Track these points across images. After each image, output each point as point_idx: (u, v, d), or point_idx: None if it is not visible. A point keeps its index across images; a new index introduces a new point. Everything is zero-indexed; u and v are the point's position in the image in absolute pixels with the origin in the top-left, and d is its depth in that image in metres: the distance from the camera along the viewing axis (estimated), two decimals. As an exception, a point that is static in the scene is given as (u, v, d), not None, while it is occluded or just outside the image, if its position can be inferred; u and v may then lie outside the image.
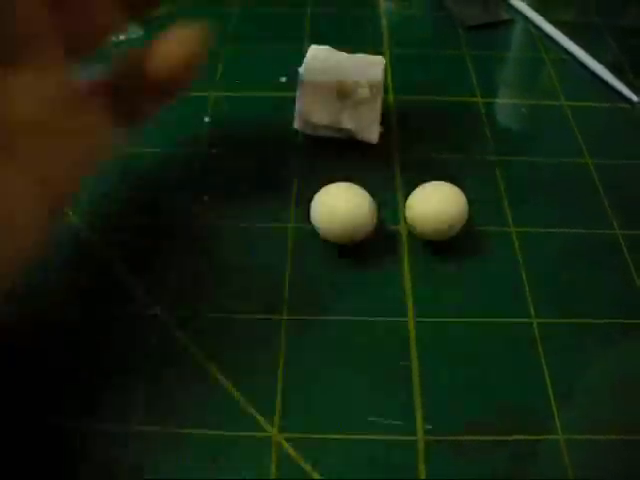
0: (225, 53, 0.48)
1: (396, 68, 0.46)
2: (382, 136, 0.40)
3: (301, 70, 0.38)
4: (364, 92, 0.37)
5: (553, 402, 0.29)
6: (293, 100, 0.39)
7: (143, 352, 0.31)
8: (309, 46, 0.40)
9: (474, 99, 0.45)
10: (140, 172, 0.39)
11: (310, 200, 0.34)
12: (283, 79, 0.45)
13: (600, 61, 0.47)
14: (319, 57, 0.39)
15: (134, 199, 0.37)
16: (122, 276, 0.33)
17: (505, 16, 0.52)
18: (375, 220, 0.34)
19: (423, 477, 0.27)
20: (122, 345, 0.31)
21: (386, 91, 0.43)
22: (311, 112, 0.38)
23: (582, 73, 0.48)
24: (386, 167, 0.39)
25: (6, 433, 0.28)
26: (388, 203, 0.37)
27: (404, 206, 0.36)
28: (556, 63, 0.48)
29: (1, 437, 0.28)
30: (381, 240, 0.35)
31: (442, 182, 0.34)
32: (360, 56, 0.40)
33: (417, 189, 0.34)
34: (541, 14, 0.52)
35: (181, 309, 0.32)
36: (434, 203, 0.33)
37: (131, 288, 0.33)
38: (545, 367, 0.31)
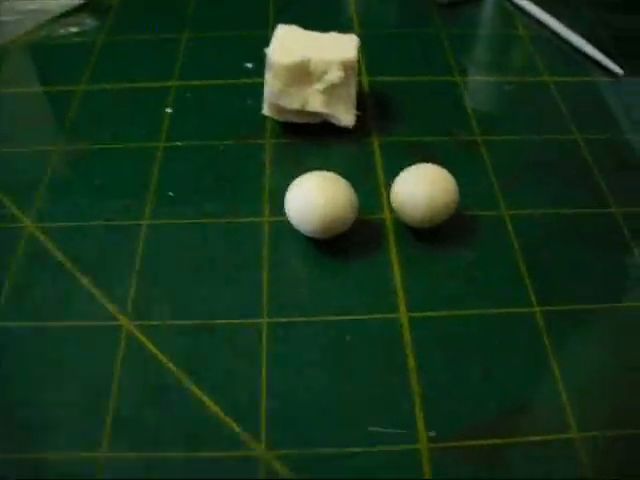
0: (185, 40, 0.45)
1: (368, 49, 0.43)
2: (358, 120, 0.37)
3: (268, 51, 0.35)
4: (337, 73, 0.35)
5: (564, 397, 0.27)
6: (261, 86, 0.36)
7: (109, 366, 0.27)
8: (274, 30, 0.37)
9: (453, 78, 0.42)
10: (103, 168, 0.36)
11: (284, 191, 0.31)
12: (249, 65, 0.42)
13: (579, 34, 0.45)
14: (287, 37, 0.36)
15: (97, 197, 0.34)
16: (81, 282, 0.30)
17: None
18: (356, 210, 0.31)
19: (431, 491, 0.24)
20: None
21: (359, 73, 0.40)
22: (280, 96, 0.35)
23: (562, 47, 0.46)
24: (364, 153, 0.37)
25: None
26: (369, 191, 0.34)
27: (387, 193, 0.33)
28: (535, 39, 0.46)
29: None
30: (364, 231, 0.33)
31: (429, 164, 0.31)
32: (331, 35, 0.37)
33: (402, 173, 0.31)
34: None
35: (146, 316, 0.29)
36: (424, 187, 0.30)
37: (93, 296, 0.30)
38: (552, 360, 0.28)
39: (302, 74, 0.35)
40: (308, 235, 0.31)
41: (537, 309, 0.30)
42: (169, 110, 0.39)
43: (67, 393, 0.27)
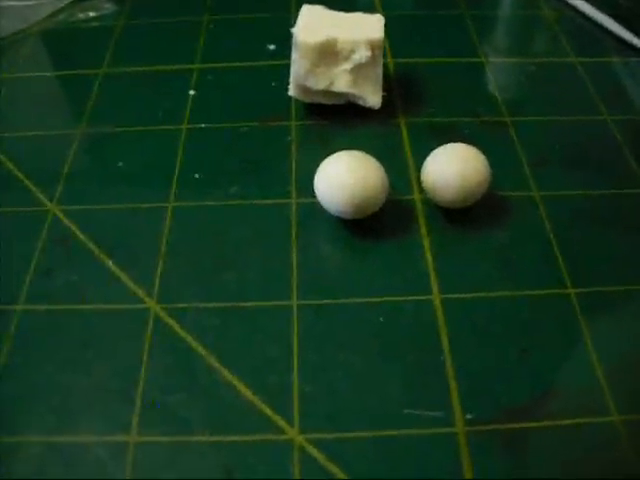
0: (206, 23, 0.44)
1: (392, 30, 0.42)
2: (384, 101, 0.36)
3: (295, 30, 0.34)
4: (365, 52, 0.34)
5: (602, 380, 0.26)
6: (285, 68, 0.36)
7: (138, 349, 0.27)
8: (296, 12, 0.36)
9: (478, 59, 0.42)
10: (126, 151, 0.35)
11: (313, 173, 0.31)
12: (271, 47, 0.42)
13: (605, 12, 0.44)
14: (313, 16, 0.35)
15: (117, 181, 0.34)
16: (107, 265, 0.30)
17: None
18: (387, 190, 0.30)
19: (469, 477, 0.24)
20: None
21: (384, 55, 0.39)
22: (307, 75, 0.34)
23: (588, 26, 0.45)
24: (392, 133, 0.36)
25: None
26: (397, 172, 0.34)
27: (417, 174, 0.32)
28: (559, 18, 0.45)
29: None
30: (394, 212, 0.32)
31: (460, 144, 0.31)
32: (357, 14, 0.36)
33: (433, 153, 0.31)
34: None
35: (173, 298, 0.29)
36: (455, 167, 0.29)
37: (119, 279, 0.29)
38: (589, 342, 0.27)
39: (329, 54, 0.34)
40: (338, 215, 0.30)
41: (571, 291, 0.29)
42: (192, 92, 0.39)
43: (95, 376, 0.26)
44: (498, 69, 0.41)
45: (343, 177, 0.29)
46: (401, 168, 0.34)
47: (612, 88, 0.40)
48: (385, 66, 0.39)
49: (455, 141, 0.32)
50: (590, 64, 0.41)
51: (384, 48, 0.38)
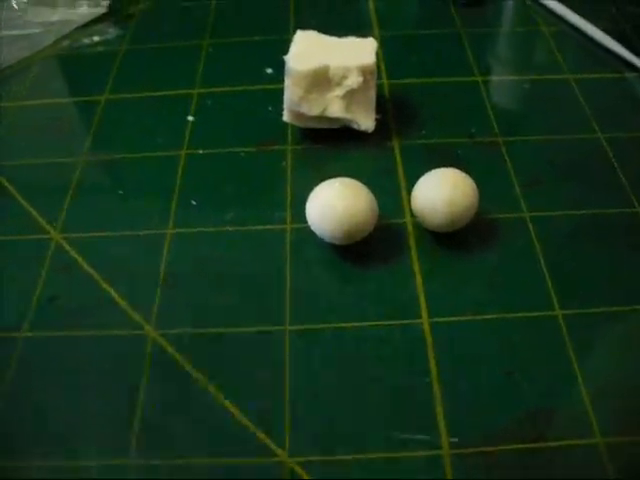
0: (205, 47, 0.45)
1: (387, 51, 0.43)
2: (378, 124, 0.37)
3: (287, 57, 0.35)
4: (356, 78, 0.35)
5: (587, 402, 0.27)
6: (281, 92, 0.36)
7: (137, 375, 0.28)
8: (294, 34, 0.37)
9: (473, 78, 0.42)
10: (127, 178, 0.36)
11: (306, 198, 0.31)
12: (269, 70, 0.42)
13: (602, 29, 0.45)
14: (306, 43, 0.36)
15: (116, 207, 0.35)
16: (107, 291, 0.31)
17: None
18: (376, 216, 0.31)
19: (453, 498, 0.24)
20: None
21: (379, 76, 0.40)
22: (300, 102, 0.35)
23: (583, 43, 0.45)
24: (385, 156, 0.37)
25: None
26: (390, 195, 0.34)
27: (408, 197, 0.33)
28: (555, 35, 0.46)
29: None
30: (385, 235, 0.33)
31: (449, 168, 0.31)
32: (350, 40, 0.37)
33: (422, 178, 0.31)
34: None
35: (170, 324, 0.30)
36: (443, 191, 0.30)
37: (118, 305, 0.30)
38: (575, 364, 0.28)
39: (321, 80, 0.35)
40: (329, 241, 0.31)
41: (559, 312, 0.30)
42: (191, 118, 0.39)
43: (95, 401, 0.27)
44: (494, 88, 0.42)
45: (332, 205, 0.30)
46: (393, 191, 0.35)
47: (607, 105, 0.40)
48: (380, 87, 0.40)
49: (448, 163, 0.32)
50: (585, 81, 0.42)
51: (379, 69, 0.39)
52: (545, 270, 0.31)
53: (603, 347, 0.29)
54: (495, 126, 0.39)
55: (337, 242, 0.31)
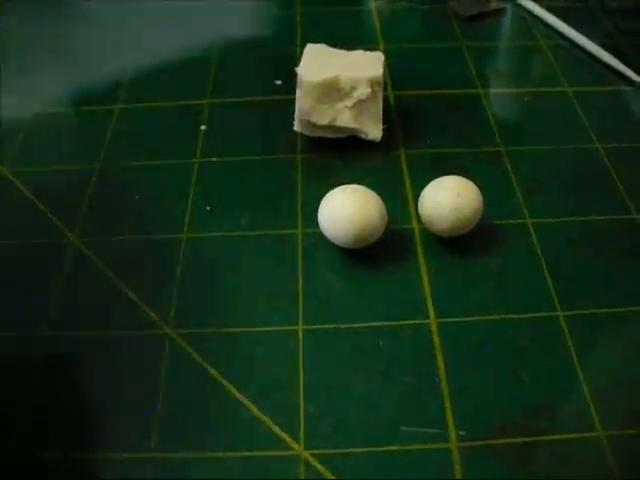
0: (216, 59, 0.46)
1: (392, 64, 0.45)
2: (385, 134, 0.38)
3: (299, 69, 0.36)
4: (365, 89, 0.36)
5: (588, 397, 0.28)
6: (291, 103, 0.38)
7: (156, 373, 0.29)
8: (302, 47, 0.39)
9: (475, 90, 0.44)
10: (143, 184, 0.38)
11: (317, 204, 0.33)
12: (278, 82, 0.44)
13: (598, 43, 0.46)
14: (316, 55, 0.38)
15: (133, 213, 0.36)
16: (125, 294, 0.32)
17: (498, 5, 0.51)
18: (386, 221, 0.32)
19: (462, 487, 0.26)
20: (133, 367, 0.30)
21: (385, 88, 0.42)
22: (310, 112, 0.37)
23: (581, 57, 0.47)
24: (392, 165, 0.38)
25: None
26: (397, 202, 0.36)
27: (415, 204, 0.34)
28: (554, 49, 0.47)
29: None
30: (394, 241, 0.34)
31: (454, 176, 0.33)
32: (358, 52, 0.38)
33: (429, 185, 0.33)
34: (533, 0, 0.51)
35: (187, 324, 0.31)
36: (450, 198, 0.31)
37: (137, 306, 0.32)
38: (577, 361, 0.29)
39: (331, 91, 0.36)
40: (340, 245, 0.32)
41: (560, 313, 0.31)
42: (203, 127, 0.41)
43: (116, 400, 0.29)
44: (494, 99, 0.43)
45: (343, 210, 0.31)
46: (401, 198, 0.36)
47: (604, 117, 0.42)
48: (386, 99, 0.42)
49: (453, 171, 0.34)
50: (583, 93, 0.43)
51: (385, 82, 0.41)
52: (546, 273, 0.33)
53: (602, 345, 0.30)
54: (497, 136, 0.40)
55: (348, 246, 0.32)
